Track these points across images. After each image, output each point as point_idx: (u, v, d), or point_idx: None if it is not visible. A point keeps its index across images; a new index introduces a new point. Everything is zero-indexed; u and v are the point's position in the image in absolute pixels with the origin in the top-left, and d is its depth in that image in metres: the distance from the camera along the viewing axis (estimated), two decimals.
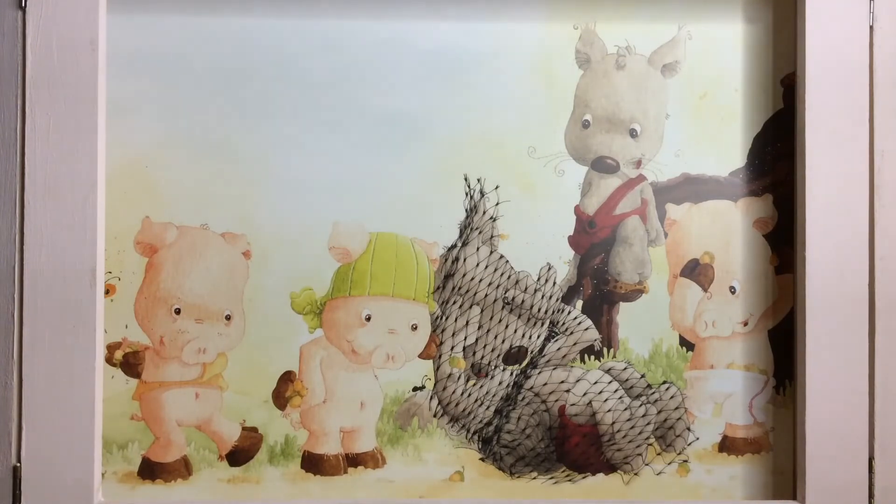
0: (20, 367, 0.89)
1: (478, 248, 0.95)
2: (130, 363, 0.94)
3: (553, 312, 0.96)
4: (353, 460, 0.95)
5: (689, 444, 0.96)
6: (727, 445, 0.96)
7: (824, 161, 0.92)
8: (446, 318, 0.95)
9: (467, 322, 0.96)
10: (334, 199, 0.95)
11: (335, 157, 0.95)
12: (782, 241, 0.96)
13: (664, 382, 0.96)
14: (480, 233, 0.95)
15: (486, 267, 0.95)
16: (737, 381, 0.96)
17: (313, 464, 0.95)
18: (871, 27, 0.92)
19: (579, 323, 0.96)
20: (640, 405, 0.96)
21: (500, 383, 0.96)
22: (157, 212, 0.94)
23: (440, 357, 0.95)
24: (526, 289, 0.96)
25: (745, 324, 0.96)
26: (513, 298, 0.95)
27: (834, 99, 0.92)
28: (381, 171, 0.95)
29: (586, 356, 0.96)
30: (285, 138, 0.95)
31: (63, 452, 0.89)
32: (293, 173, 0.94)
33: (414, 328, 0.95)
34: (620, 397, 0.96)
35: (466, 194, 0.95)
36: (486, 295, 0.95)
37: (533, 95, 0.96)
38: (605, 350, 0.96)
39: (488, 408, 0.96)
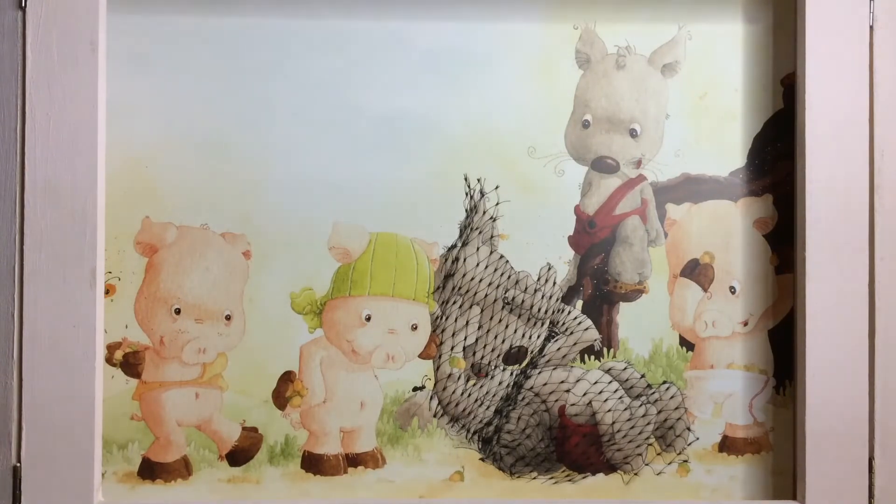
0: (20, 367, 0.89)
1: (478, 248, 0.96)
2: (130, 363, 0.94)
3: (553, 312, 0.96)
4: (353, 460, 0.95)
5: (689, 444, 0.96)
6: (727, 445, 0.96)
7: (824, 161, 0.92)
8: (446, 318, 0.95)
9: (467, 322, 0.96)
10: (334, 199, 0.95)
11: (335, 157, 0.95)
12: (782, 241, 0.96)
13: (664, 382, 0.96)
14: (480, 233, 0.95)
15: (486, 267, 0.95)
16: (737, 381, 0.96)
17: (313, 464, 0.95)
18: (871, 27, 0.92)
19: (579, 323, 0.96)
20: (640, 405, 0.96)
21: (500, 383, 0.96)
22: (157, 212, 0.94)
23: (440, 357, 0.95)
24: (526, 289, 0.96)
25: (745, 324, 0.96)
26: (513, 298, 0.96)
27: (834, 99, 0.92)
28: (381, 171, 0.95)
29: (586, 356, 0.96)
30: (285, 138, 0.95)
31: (63, 452, 0.89)
32: (293, 173, 0.94)
33: (414, 328, 0.95)
34: (620, 397, 0.96)
35: (466, 194, 0.95)
36: (486, 295, 0.95)
37: (533, 95, 0.96)
38: (605, 350, 0.96)
39: (488, 408, 0.96)
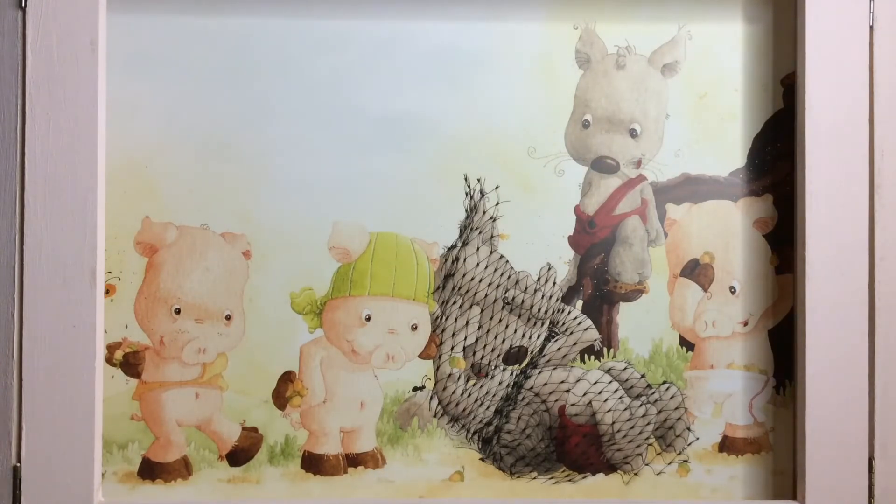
0: (20, 367, 0.89)
1: (478, 248, 0.96)
2: (130, 363, 0.94)
3: (553, 312, 0.96)
4: (353, 460, 0.95)
5: (689, 444, 0.96)
6: (727, 445, 0.96)
7: (824, 161, 0.92)
8: (446, 318, 0.95)
9: (467, 322, 0.96)
10: (334, 199, 0.95)
11: (335, 157, 0.95)
12: (782, 241, 0.96)
13: (664, 382, 0.96)
14: (480, 233, 0.95)
15: (486, 267, 0.95)
16: (737, 381, 0.96)
17: (313, 464, 0.95)
18: (871, 27, 0.92)
19: (579, 323, 0.96)
20: (640, 405, 0.96)
21: (500, 383, 0.96)
22: (157, 212, 0.94)
23: (440, 357, 0.95)
24: (526, 289, 0.96)
25: (745, 324, 0.96)
26: (513, 298, 0.95)
27: (834, 99, 0.92)
28: (381, 171, 0.95)
29: (586, 356, 0.96)
30: (285, 138, 0.95)
31: (63, 452, 0.89)
32: (293, 173, 0.94)
33: (414, 328, 0.95)
34: (620, 397, 0.96)
35: (466, 194, 0.95)
36: (486, 295, 0.95)
37: (533, 95, 0.96)
38: (605, 350, 0.96)
39: (488, 408, 0.96)
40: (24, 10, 0.89)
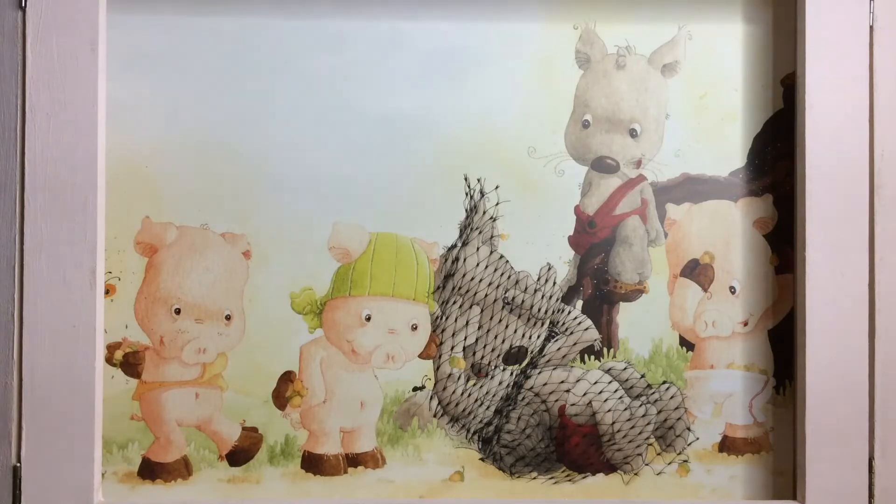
0: (20, 367, 0.89)
1: (478, 248, 0.96)
2: (130, 363, 0.94)
3: (553, 312, 0.96)
4: (353, 460, 0.95)
5: (689, 444, 0.96)
6: (727, 445, 0.96)
7: (824, 161, 0.92)
8: (446, 318, 0.95)
9: (467, 322, 0.96)
10: (334, 199, 0.95)
11: (335, 156, 0.95)
12: (782, 241, 0.96)
13: (664, 382, 0.96)
14: (480, 233, 0.95)
15: (486, 267, 0.95)
16: (737, 381, 0.96)
17: (313, 464, 0.95)
18: (871, 27, 0.92)
19: (579, 323, 0.96)
20: (640, 405, 0.96)
21: (500, 383, 0.96)
22: (157, 212, 0.94)
23: (440, 357, 0.95)
24: (526, 289, 0.96)
25: (745, 324, 0.96)
26: (513, 298, 0.95)
27: (834, 99, 0.92)
28: (381, 171, 0.95)
29: (586, 356, 0.96)
30: (285, 138, 0.95)
31: (63, 452, 0.89)
32: (293, 173, 0.94)
33: (414, 328, 0.95)
34: (620, 397, 0.96)
35: (466, 194, 0.95)
36: (486, 295, 0.95)
37: (533, 95, 0.96)
38: (605, 350, 0.96)
39: (488, 408, 0.96)
40: (24, 10, 0.89)
